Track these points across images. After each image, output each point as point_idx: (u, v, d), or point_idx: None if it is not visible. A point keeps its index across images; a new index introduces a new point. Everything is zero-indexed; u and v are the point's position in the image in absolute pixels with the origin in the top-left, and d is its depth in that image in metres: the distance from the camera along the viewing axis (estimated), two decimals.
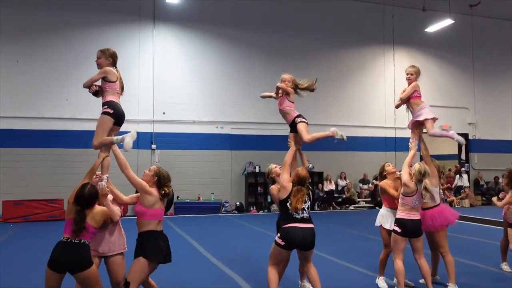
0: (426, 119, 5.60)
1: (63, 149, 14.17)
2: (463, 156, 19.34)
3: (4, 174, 13.67)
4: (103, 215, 3.99)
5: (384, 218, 5.84)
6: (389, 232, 5.65)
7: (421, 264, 5.29)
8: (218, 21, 16.09)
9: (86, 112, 13.68)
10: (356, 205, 16.84)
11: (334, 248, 8.37)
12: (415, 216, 5.26)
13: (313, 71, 16.97)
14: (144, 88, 15.05)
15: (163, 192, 4.29)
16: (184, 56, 15.82)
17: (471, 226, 11.66)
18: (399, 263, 5.23)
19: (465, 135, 17.83)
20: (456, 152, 19.57)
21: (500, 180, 17.02)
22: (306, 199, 4.84)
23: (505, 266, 6.66)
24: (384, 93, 17.94)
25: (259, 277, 6.18)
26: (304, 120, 5.17)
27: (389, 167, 5.94)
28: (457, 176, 18.47)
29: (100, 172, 4.35)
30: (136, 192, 4.38)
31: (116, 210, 4.31)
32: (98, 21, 14.84)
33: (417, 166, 5.26)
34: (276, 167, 5.47)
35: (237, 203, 15.74)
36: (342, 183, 17.11)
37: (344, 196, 16.82)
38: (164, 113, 15.28)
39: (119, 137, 4.27)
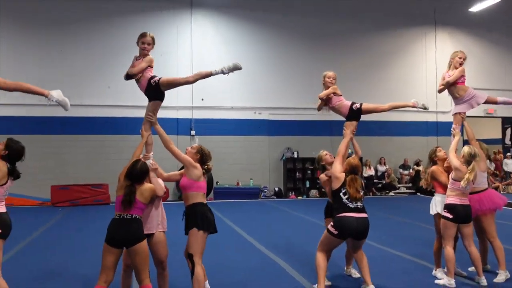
0: (488, 97, 5.67)
1: (106, 136, 14.53)
2: (507, 141, 18.61)
3: (51, 159, 14.17)
4: (151, 191, 4.14)
5: (440, 206, 5.41)
6: None
7: (471, 251, 5.17)
8: (255, 6, 15.96)
9: (128, 99, 13.94)
10: (397, 191, 16.57)
11: (378, 234, 8.25)
12: (465, 201, 5.14)
13: (352, 55, 16.75)
14: (183, 75, 15.05)
15: (206, 167, 4.52)
16: (221, 42, 15.81)
17: None
18: (449, 250, 5.13)
19: None
20: (500, 136, 18.85)
21: None
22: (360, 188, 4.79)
23: None
24: (425, 76, 17.41)
25: (303, 262, 6.20)
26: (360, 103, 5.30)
27: (441, 153, 5.68)
28: (504, 161, 17.82)
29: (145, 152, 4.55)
30: (180, 169, 4.51)
31: (162, 183, 4.45)
32: (136, 9, 14.99)
33: (466, 148, 5.18)
34: (326, 154, 5.46)
35: (276, 189, 15.78)
36: (381, 168, 16.84)
37: (384, 182, 16.58)
38: (202, 99, 15.40)
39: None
